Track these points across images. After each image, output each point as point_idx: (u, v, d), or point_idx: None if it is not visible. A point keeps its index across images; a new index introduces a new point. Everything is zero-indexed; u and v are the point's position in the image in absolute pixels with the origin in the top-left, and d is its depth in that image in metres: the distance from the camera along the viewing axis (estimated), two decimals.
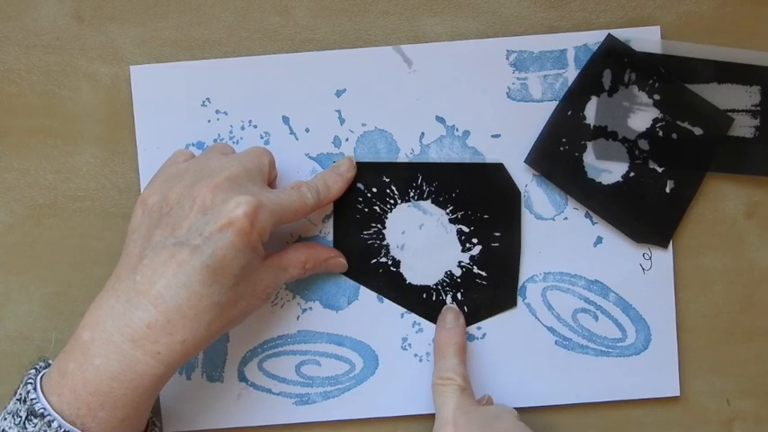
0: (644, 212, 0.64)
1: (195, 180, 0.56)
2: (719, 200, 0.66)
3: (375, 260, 0.65)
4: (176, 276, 0.53)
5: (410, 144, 0.65)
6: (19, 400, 0.53)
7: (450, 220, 0.65)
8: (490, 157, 0.65)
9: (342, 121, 0.65)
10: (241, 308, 0.56)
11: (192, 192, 0.55)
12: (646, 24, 0.65)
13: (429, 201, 0.65)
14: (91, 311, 0.54)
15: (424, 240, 0.65)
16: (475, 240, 0.65)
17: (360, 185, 0.64)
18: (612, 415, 0.66)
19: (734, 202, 0.66)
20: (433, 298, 0.65)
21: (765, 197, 0.66)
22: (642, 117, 0.64)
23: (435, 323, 0.65)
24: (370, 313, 0.65)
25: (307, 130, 0.65)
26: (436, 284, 0.65)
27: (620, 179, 0.64)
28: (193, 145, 0.64)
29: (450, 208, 0.65)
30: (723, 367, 0.67)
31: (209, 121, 0.64)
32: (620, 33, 0.64)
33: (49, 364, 0.56)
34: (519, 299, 0.65)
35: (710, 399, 0.66)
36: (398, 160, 0.65)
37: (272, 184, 0.61)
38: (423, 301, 0.65)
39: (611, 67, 0.64)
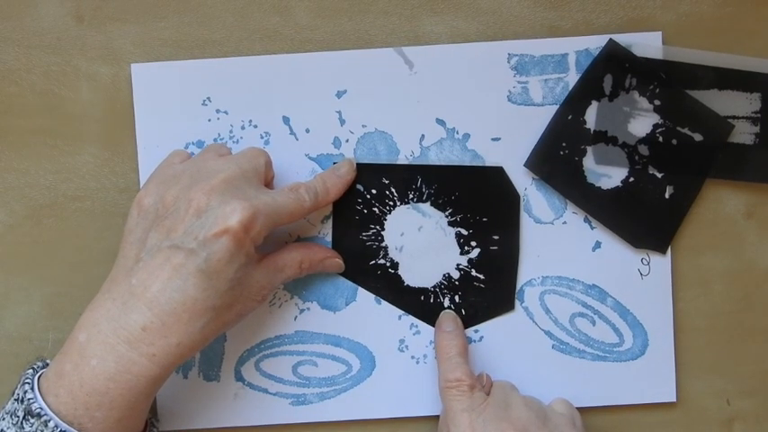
0: (643, 218, 0.64)
1: (191, 182, 0.56)
2: (719, 200, 0.66)
3: (373, 262, 0.65)
4: (171, 280, 0.53)
5: (410, 146, 0.65)
6: (17, 399, 0.53)
7: (449, 223, 0.65)
8: (490, 161, 0.65)
9: (342, 122, 0.64)
10: (236, 310, 0.57)
11: (188, 194, 0.55)
12: (646, 25, 0.65)
13: (428, 203, 0.65)
14: (87, 313, 0.55)
15: (422, 243, 0.65)
16: (473, 243, 0.65)
17: (359, 187, 0.64)
18: (612, 416, 0.66)
19: (733, 202, 0.66)
20: (431, 300, 0.65)
21: (765, 197, 0.66)
22: (642, 122, 0.64)
23: (433, 325, 0.65)
24: (368, 315, 0.65)
25: (307, 131, 0.65)
26: (434, 287, 0.65)
27: (620, 184, 0.64)
28: (193, 144, 0.64)
29: (450, 211, 0.65)
30: (723, 367, 0.67)
31: (209, 121, 0.64)
32: (622, 38, 0.63)
33: (47, 364, 0.56)
34: (517, 302, 0.65)
35: (710, 399, 0.67)
36: (398, 162, 0.65)
37: (269, 184, 0.61)
38: (420, 304, 0.65)
39: (613, 72, 0.63)
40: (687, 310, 0.66)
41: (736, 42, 0.65)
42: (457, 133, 0.64)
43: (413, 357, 0.65)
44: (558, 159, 0.64)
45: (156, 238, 0.55)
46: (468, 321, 0.65)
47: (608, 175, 0.64)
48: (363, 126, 0.65)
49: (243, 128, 0.64)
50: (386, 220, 0.65)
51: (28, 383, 0.54)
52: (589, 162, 0.64)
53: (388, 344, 0.65)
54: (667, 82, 0.63)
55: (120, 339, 0.53)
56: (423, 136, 0.65)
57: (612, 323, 0.65)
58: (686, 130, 0.64)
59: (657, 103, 0.63)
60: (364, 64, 0.64)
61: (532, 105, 0.64)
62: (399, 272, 0.65)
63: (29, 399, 0.53)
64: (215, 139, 0.65)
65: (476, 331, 0.65)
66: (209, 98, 0.64)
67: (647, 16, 0.65)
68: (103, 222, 0.65)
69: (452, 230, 0.65)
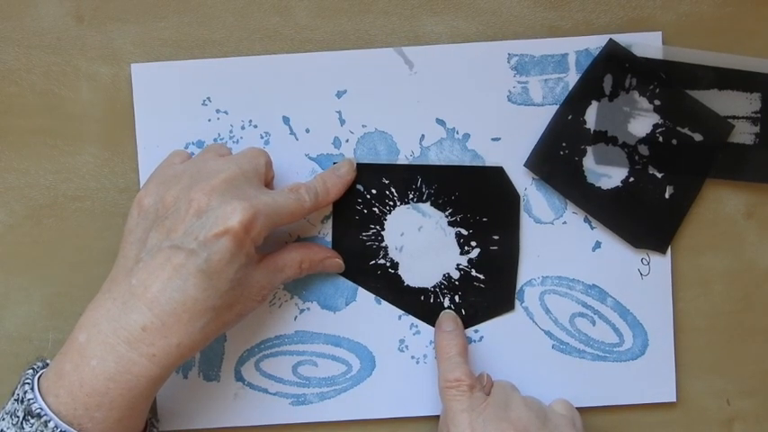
0: (643, 218, 0.64)
1: (191, 183, 0.56)
2: (719, 200, 0.66)
3: (373, 262, 0.65)
4: (171, 280, 0.53)
5: (410, 146, 0.65)
6: (16, 400, 0.53)
7: (449, 223, 0.65)
8: (490, 161, 0.65)
9: (342, 122, 0.64)
10: (236, 311, 0.57)
11: (189, 195, 0.55)
12: (646, 25, 0.65)
13: (428, 203, 0.65)
14: (87, 313, 0.55)
15: (422, 243, 0.65)
16: (473, 243, 0.65)
17: (359, 187, 0.64)
18: (612, 416, 0.66)
19: (733, 202, 0.66)
20: (431, 300, 0.65)
21: (765, 197, 0.66)
22: (642, 122, 0.64)
23: (433, 325, 0.65)
24: (368, 315, 0.65)
25: (307, 131, 0.65)
26: (434, 287, 0.65)
27: (620, 184, 0.64)
28: (193, 144, 0.64)
29: (450, 211, 0.65)
30: (723, 367, 0.67)
31: (209, 121, 0.64)
32: (622, 38, 0.63)
33: (47, 365, 0.56)
34: (517, 302, 0.65)
35: (710, 399, 0.67)
36: (398, 162, 0.65)
37: (269, 184, 0.61)
38: (420, 304, 0.65)
39: (613, 72, 0.63)
40: (687, 310, 0.66)
41: (736, 42, 0.65)
42: (457, 133, 0.64)
43: (413, 357, 0.65)
44: (558, 159, 0.64)
45: (156, 238, 0.55)
46: (468, 321, 0.65)
47: (608, 175, 0.64)
48: (363, 126, 0.65)
49: (243, 128, 0.64)
50: (386, 220, 0.65)
51: (28, 384, 0.54)
52: (589, 162, 0.64)
53: (388, 344, 0.65)
54: (667, 82, 0.63)
55: (120, 339, 0.53)
56: (423, 136, 0.65)
57: (612, 323, 0.65)
58: (686, 130, 0.64)
59: (657, 103, 0.63)
60: (364, 64, 0.64)
61: (532, 105, 0.64)
62: (399, 272, 0.65)
63: (29, 399, 0.53)
64: (215, 139, 0.65)
65: (476, 331, 0.65)
66: (209, 98, 0.64)
67: (647, 16, 0.65)
68: (103, 222, 0.65)
69: (452, 230, 0.65)
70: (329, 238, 0.65)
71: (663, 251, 0.65)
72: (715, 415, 0.67)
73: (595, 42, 0.64)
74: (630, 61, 0.63)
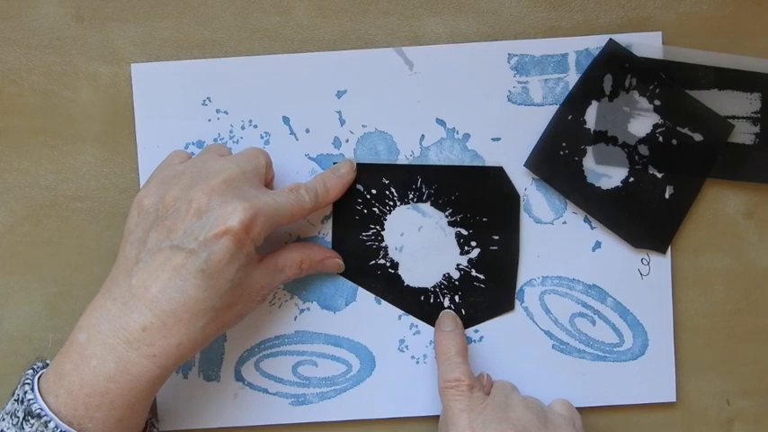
0: (643, 218, 0.64)
1: (192, 183, 0.56)
2: (719, 200, 0.66)
3: (373, 262, 0.65)
4: (172, 280, 0.53)
5: (410, 146, 0.65)
6: (17, 400, 0.53)
7: (449, 223, 0.65)
8: (490, 161, 0.65)
9: (342, 122, 0.64)
10: (236, 311, 0.57)
11: (189, 195, 0.55)
12: (646, 25, 0.65)
13: (428, 203, 0.65)
14: (87, 313, 0.55)
15: (422, 243, 0.65)
16: (473, 243, 0.65)
17: (359, 187, 0.64)
18: (612, 416, 0.66)
19: (734, 201, 0.66)
20: (431, 300, 0.65)
21: (765, 197, 0.66)
22: (642, 122, 0.64)
23: (433, 325, 0.65)
24: (368, 315, 0.65)
25: (307, 131, 0.65)
26: (434, 287, 0.65)
27: (620, 184, 0.64)
28: (193, 144, 0.64)
29: (450, 211, 0.65)
30: (723, 367, 0.67)
31: (209, 121, 0.64)
32: (622, 38, 0.63)
33: (47, 365, 0.56)
34: (517, 302, 0.65)
35: (710, 399, 0.67)
36: (398, 162, 0.65)
37: (269, 184, 0.61)
38: (420, 304, 0.65)
39: (612, 71, 0.63)
40: (687, 310, 0.66)
41: (736, 42, 0.65)
42: (457, 133, 0.64)
43: (413, 357, 0.65)
44: (558, 159, 0.64)
45: (156, 238, 0.55)
46: (468, 321, 0.65)
47: (608, 175, 0.64)
48: (363, 126, 0.65)
49: (243, 128, 0.64)
50: (386, 220, 0.65)
51: (28, 384, 0.54)
52: (589, 162, 0.64)
53: (388, 344, 0.65)
54: (667, 82, 0.63)
55: (119, 340, 0.53)
56: (423, 136, 0.65)
57: (612, 323, 0.65)
58: (686, 130, 0.64)
59: (657, 103, 0.63)
60: (364, 64, 0.64)
61: (532, 105, 0.64)
62: (399, 272, 0.65)
63: (29, 399, 0.53)
64: (215, 139, 0.65)
65: (476, 331, 0.65)
66: (209, 98, 0.64)
67: (647, 16, 0.65)
68: (103, 222, 0.65)
69: (452, 230, 0.65)
70: (329, 238, 0.65)
71: (663, 251, 0.65)
72: (715, 415, 0.67)
73: (595, 42, 0.64)
74: (630, 61, 0.63)
